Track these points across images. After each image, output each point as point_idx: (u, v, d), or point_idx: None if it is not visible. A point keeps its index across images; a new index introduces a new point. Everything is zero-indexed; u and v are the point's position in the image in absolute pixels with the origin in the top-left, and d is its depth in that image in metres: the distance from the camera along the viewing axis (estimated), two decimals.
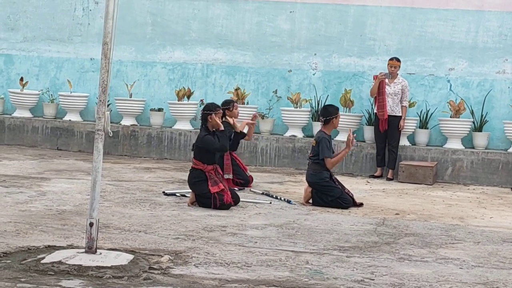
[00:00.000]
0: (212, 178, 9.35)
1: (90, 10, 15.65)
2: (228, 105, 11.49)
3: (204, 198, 9.30)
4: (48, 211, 8.53)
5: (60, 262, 6.06)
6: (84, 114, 15.23)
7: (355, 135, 10.39)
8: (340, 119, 10.57)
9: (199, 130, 9.97)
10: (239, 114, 13.65)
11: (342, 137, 13.78)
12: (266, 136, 14.09)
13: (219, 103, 14.24)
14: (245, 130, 11.66)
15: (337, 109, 10.40)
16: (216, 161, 9.65)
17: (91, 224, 6.29)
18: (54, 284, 5.60)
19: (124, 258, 6.33)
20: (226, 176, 10.45)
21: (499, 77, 14.01)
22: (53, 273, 5.86)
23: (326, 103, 13.88)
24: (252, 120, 11.77)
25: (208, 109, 9.67)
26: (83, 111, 15.21)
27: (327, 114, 10.28)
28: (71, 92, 15.19)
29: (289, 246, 7.45)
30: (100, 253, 6.35)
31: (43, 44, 15.86)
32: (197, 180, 9.36)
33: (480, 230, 8.83)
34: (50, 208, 8.72)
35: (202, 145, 9.42)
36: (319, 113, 13.97)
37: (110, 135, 6.73)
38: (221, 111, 9.92)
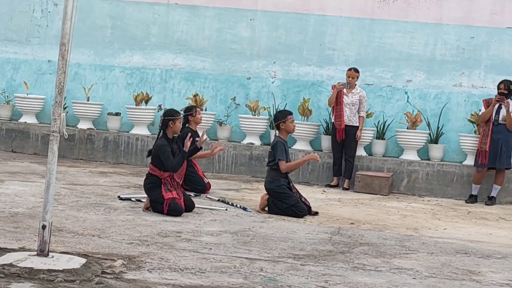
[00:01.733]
0: (166, 185, 9.29)
1: (49, 11, 15.51)
2: (190, 110, 11.53)
3: (157, 204, 9.25)
4: (1, 213, 8.41)
5: (11, 265, 5.97)
6: (40, 116, 15.07)
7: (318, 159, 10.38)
8: (297, 126, 10.59)
9: (156, 136, 9.79)
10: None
11: (300, 145, 13.82)
12: (223, 143, 14.05)
13: (177, 108, 14.21)
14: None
15: (285, 114, 10.32)
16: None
17: (43, 227, 6.21)
18: (4, 286, 5.51)
19: (77, 262, 6.26)
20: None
21: (456, 90, 14.16)
22: (3, 276, 5.76)
23: None
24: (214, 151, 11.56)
25: (170, 114, 9.53)
26: (39, 113, 15.05)
27: (275, 120, 10.43)
28: (27, 94, 15.02)
29: (244, 253, 7.42)
30: (52, 256, 6.27)
31: (0, 45, 15.67)
32: (151, 186, 9.31)
33: (433, 241, 8.88)
34: (2, 210, 8.59)
35: (158, 154, 9.34)
36: None
37: (66, 137, 6.67)
38: (181, 117, 9.84)
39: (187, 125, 11.43)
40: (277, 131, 10.35)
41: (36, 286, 5.61)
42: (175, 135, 9.63)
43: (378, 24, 14.41)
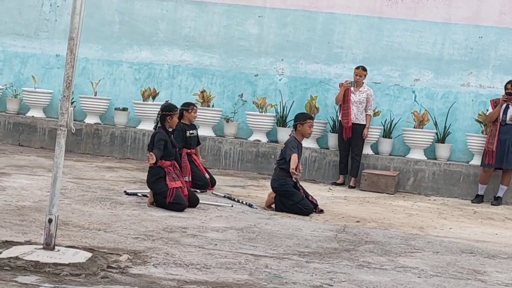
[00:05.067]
0: (170, 174, 9.33)
1: (58, 6, 15.54)
2: (187, 106, 11.51)
3: (162, 198, 9.26)
4: (7, 206, 8.43)
5: (17, 258, 5.99)
6: (47, 110, 15.10)
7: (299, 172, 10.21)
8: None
9: (154, 128, 9.87)
10: (204, 117, 13.72)
11: (306, 143, 13.77)
12: (230, 140, 14.07)
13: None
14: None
15: (305, 117, 10.32)
16: (174, 157, 9.61)
17: (50, 221, 6.23)
18: (10, 279, 5.53)
19: (82, 256, 6.28)
20: (185, 179, 10.39)
21: (464, 89, 14.13)
22: (9, 269, 5.78)
23: (292, 109, 13.96)
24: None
25: (169, 110, 9.70)
26: (46, 107, 15.08)
27: (294, 120, 10.36)
28: (35, 88, 15.05)
29: (249, 249, 7.43)
30: (58, 250, 6.29)
31: (9, 39, 15.70)
32: (156, 178, 9.31)
33: (439, 240, 8.88)
34: (9, 203, 8.61)
35: (153, 141, 9.43)
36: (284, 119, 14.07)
37: (73, 131, 6.68)
38: (178, 112, 9.97)
39: (181, 119, 11.41)
40: (293, 131, 10.30)
41: (41, 279, 5.62)
42: (170, 128, 9.79)
43: (386, 22, 14.40)
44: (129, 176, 11.96)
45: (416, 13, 14.28)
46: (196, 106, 11.77)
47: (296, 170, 9.92)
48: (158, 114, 9.71)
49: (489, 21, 14.07)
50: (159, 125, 9.66)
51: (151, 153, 9.22)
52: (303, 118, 10.24)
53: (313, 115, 11.27)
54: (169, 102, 14.26)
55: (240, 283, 6.09)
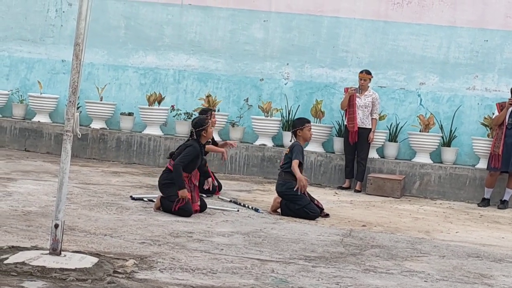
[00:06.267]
0: None
1: (63, 11, 15.56)
2: (205, 113, 11.44)
3: (168, 201, 9.25)
4: (13, 211, 8.45)
5: (23, 263, 6.00)
6: (53, 116, 15.12)
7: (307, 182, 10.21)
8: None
9: (187, 139, 9.80)
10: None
11: (312, 147, 13.79)
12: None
13: (190, 109, 14.25)
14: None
15: (303, 121, 10.32)
16: (193, 172, 9.58)
17: (56, 226, 6.23)
18: (17, 285, 5.54)
19: (89, 261, 6.28)
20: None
21: (469, 93, 14.12)
22: (16, 274, 5.79)
23: (297, 113, 13.95)
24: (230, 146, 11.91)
25: (201, 125, 9.58)
26: (52, 112, 15.10)
27: (292, 127, 10.41)
28: (41, 93, 15.07)
29: (255, 254, 7.43)
30: (65, 255, 6.29)
31: (15, 44, 15.74)
32: (168, 182, 9.30)
33: (445, 244, 8.87)
34: (15, 208, 8.63)
35: (184, 151, 9.36)
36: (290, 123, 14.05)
37: (79, 137, 6.70)
38: (209, 122, 9.84)
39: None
40: (293, 137, 10.30)
41: (48, 284, 5.63)
42: (206, 140, 9.79)
43: (391, 26, 14.39)
44: (135, 181, 11.97)
45: (421, 17, 14.28)
46: (213, 111, 11.87)
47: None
48: (192, 132, 9.58)
49: (495, 25, 14.06)
50: (194, 137, 9.57)
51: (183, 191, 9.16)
52: (301, 124, 10.25)
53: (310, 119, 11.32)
54: (174, 106, 14.34)
55: None
